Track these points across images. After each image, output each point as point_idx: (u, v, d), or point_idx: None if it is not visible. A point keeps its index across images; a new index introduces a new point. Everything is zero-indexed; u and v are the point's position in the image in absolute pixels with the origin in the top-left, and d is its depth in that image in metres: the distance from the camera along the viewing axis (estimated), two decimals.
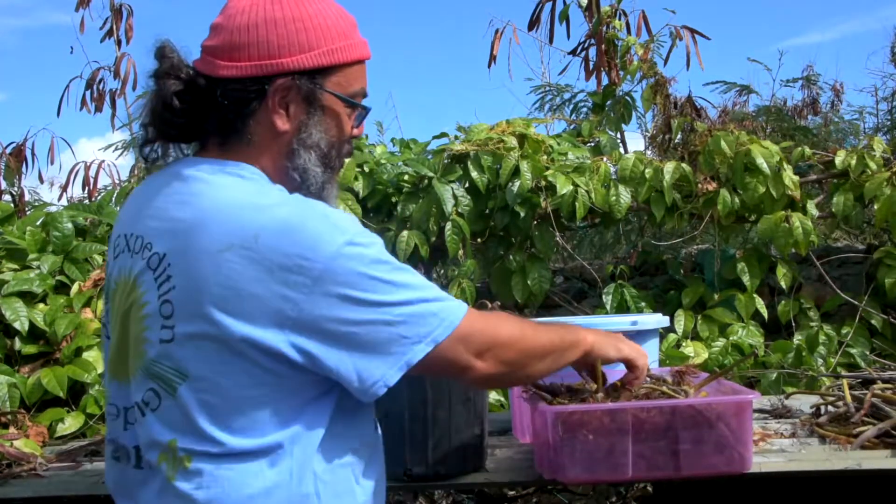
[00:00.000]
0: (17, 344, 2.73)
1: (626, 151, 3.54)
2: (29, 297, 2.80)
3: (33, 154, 4.04)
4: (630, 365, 1.63)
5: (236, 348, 1.19)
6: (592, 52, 3.89)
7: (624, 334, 2.22)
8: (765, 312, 3.17)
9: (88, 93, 4.61)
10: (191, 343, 1.21)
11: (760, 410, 2.37)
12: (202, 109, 1.31)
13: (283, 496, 1.22)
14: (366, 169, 3.20)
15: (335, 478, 1.27)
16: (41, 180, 4.43)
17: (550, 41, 4.09)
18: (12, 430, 2.43)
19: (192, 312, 1.20)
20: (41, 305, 2.80)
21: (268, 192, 1.28)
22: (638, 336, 2.21)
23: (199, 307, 1.19)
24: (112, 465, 1.35)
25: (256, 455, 1.22)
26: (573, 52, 4.00)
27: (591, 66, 3.89)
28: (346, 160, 1.45)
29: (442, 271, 3.49)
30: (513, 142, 3.13)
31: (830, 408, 2.19)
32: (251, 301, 1.18)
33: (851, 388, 2.21)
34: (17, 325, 2.69)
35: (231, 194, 1.25)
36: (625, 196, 3.15)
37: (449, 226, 3.07)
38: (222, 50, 1.30)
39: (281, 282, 1.18)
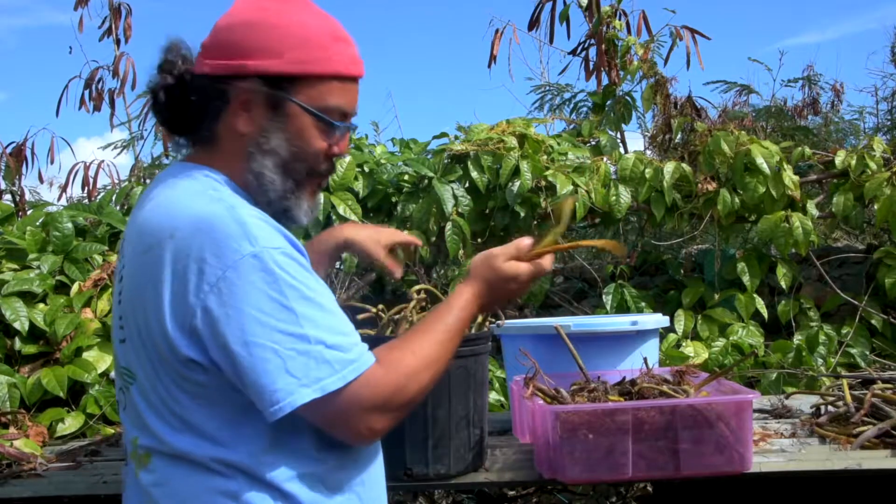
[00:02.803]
0: (17, 344, 2.73)
1: (626, 151, 3.54)
2: (29, 297, 2.80)
3: (33, 154, 4.04)
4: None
5: (160, 352, 1.18)
6: (592, 52, 3.89)
7: (624, 335, 2.23)
8: (765, 312, 3.17)
9: (87, 92, 4.60)
10: (132, 345, 1.22)
11: (760, 410, 2.37)
12: (183, 105, 1.32)
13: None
14: (366, 169, 3.21)
15: (297, 488, 1.20)
16: (41, 180, 4.43)
17: (550, 41, 4.09)
18: (12, 430, 2.43)
19: (130, 314, 1.22)
20: (41, 305, 2.81)
21: (203, 192, 1.23)
22: (638, 336, 2.21)
23: (134, 309, 1.21)
24: None
25: (201, 459, 1.19)
26: (573, 52, 4.00)
27: (591, 66, 3.89)
28: (323, 178, 1.36)
29: (442, 271, 3.49)
30: (513, 142, 3.13)
31: (830, 408, 2.19)
32: (167, 304, 1.16)
33: (851, 388, 2.21)
34: (17, 325, 2.69)
35: (170, 195, 1.24)
36: (625, 196, 3.15)
37: (449, 226, 3.08)
38: (206, 48, 1.31)
39: (184, 284, 1.14)
